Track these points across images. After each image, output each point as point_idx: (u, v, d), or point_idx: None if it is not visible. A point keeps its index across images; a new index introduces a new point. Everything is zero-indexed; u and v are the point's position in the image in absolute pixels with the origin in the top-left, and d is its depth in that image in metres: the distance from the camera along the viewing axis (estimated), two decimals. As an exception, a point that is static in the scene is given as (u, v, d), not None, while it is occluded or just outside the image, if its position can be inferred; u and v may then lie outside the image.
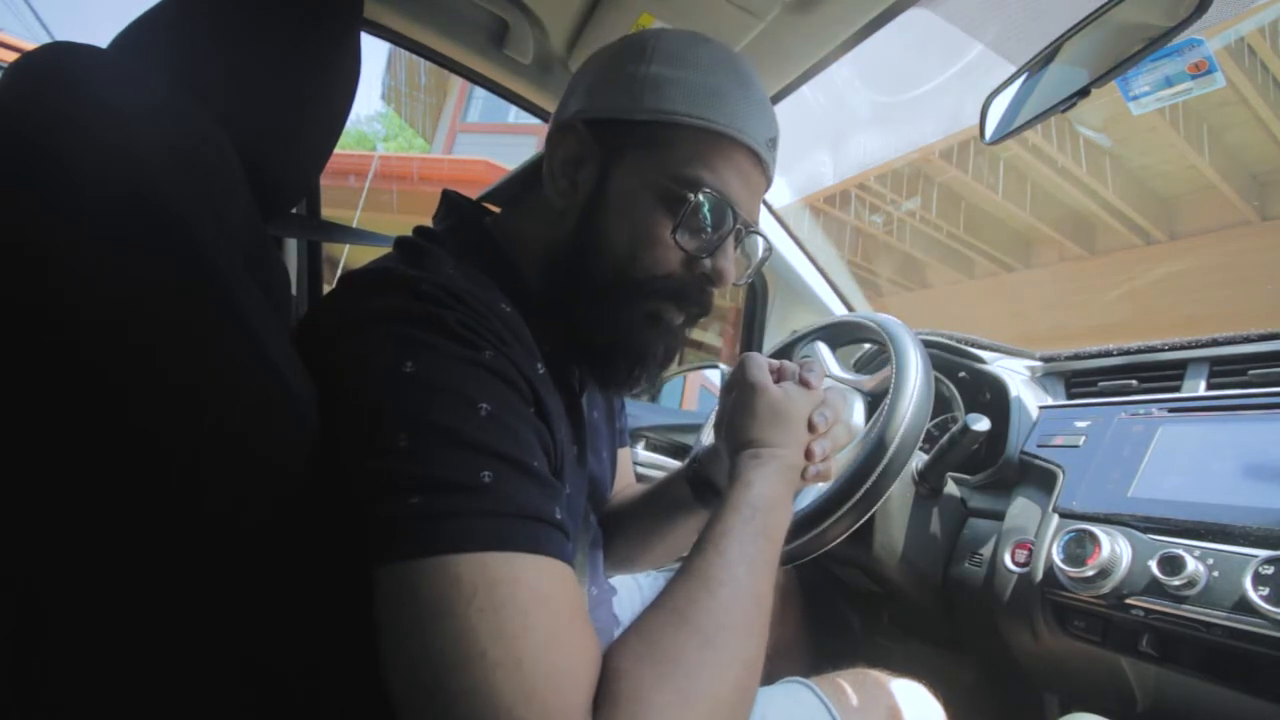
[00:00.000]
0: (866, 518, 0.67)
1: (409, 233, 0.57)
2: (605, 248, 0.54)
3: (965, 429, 0.82)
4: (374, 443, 0.38)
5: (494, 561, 0.36)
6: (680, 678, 0.37)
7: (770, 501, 0.51)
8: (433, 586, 0.35)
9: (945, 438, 0.84)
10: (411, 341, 0.40)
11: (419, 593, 0.35)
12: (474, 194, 0.65)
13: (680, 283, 0.55)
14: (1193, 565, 0.61)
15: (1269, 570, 0.57)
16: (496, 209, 0.64)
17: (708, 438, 1.02)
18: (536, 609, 0.35)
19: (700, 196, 0.53)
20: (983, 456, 0.95)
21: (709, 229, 0.54)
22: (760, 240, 0.61)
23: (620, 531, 0.79)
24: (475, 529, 0.36)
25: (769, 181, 0.59)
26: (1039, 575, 0.73)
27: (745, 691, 0.40)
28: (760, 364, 0.61)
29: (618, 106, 0.54)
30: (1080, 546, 0.69)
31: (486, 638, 0.33)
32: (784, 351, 0.94)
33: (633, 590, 0.89)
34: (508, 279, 0.54)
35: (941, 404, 1.05)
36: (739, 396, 0.60)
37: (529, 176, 0.61)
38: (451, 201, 0.61)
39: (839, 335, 0.90)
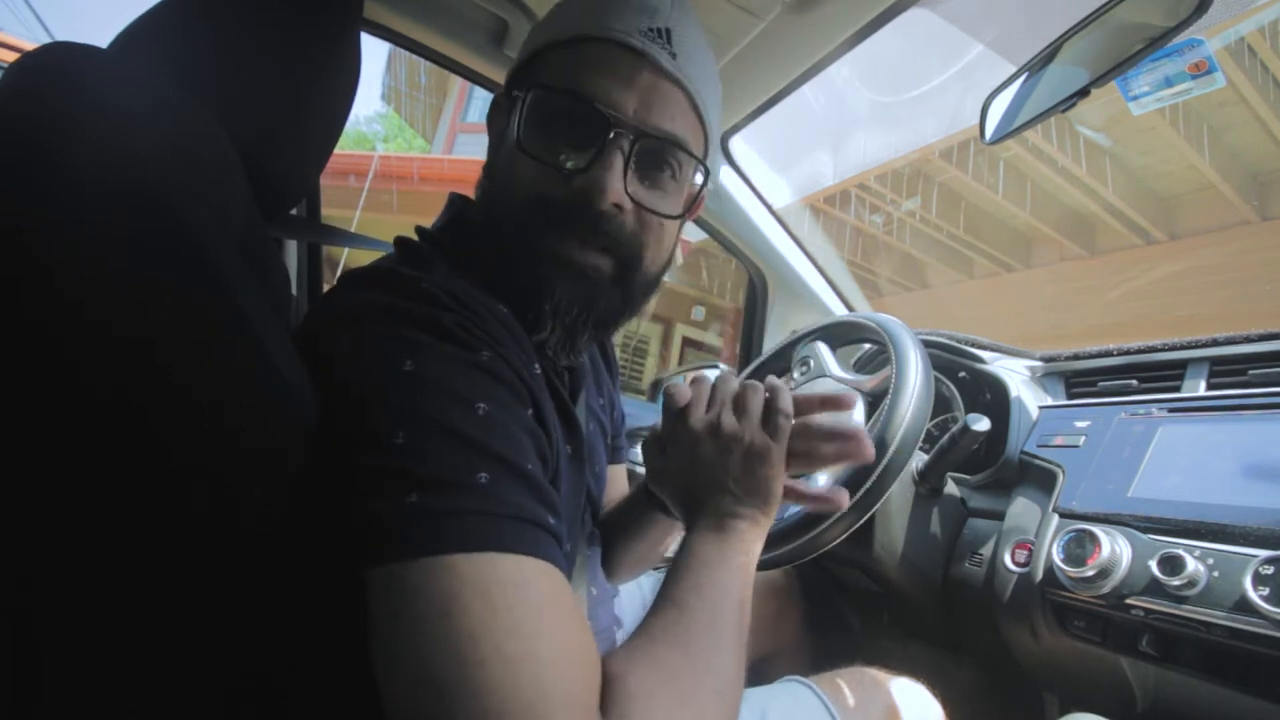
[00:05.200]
0: (866, 518, 0.67)
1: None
2: (494, 194, 0.55)
3: (965, 429, 0.82)
4: (371, 439, 0.38)
5: (501, 561, 0.36)
6: (675, 683, 0.40)
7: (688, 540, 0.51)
8: (437, 585, 0.34)
9: (945, 438, 0.85)
10: (410, 341, 0.41)
11: (422, 591, 0.34)
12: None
13: (556, 206, 0.50)
14: (1193, 565, 0.61)
15: (1269, 570, 0.57)
16: None
17: None
18: (548, 608, 0.36)
19: (529, 93, 0.51)
20: (983, 456, 0.95)
21: (568, 132, 0.50)
22: (674, 154, 0.52)
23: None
24: (476, 529, 0.36)
25: (673, 77, 0.51)
26: (1039, 575, 0.73)
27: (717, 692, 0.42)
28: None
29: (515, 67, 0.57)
30: (1080, 546, 0.69)
31: (502, 635, 0.34)
32: (784, 352, 0.94)
33: (633, 590, 0.89)
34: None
35: (941, 404, 1.05)
36: None
37: None
38: (450, 201, 0.61)
39: (839, 335, 0.90)
